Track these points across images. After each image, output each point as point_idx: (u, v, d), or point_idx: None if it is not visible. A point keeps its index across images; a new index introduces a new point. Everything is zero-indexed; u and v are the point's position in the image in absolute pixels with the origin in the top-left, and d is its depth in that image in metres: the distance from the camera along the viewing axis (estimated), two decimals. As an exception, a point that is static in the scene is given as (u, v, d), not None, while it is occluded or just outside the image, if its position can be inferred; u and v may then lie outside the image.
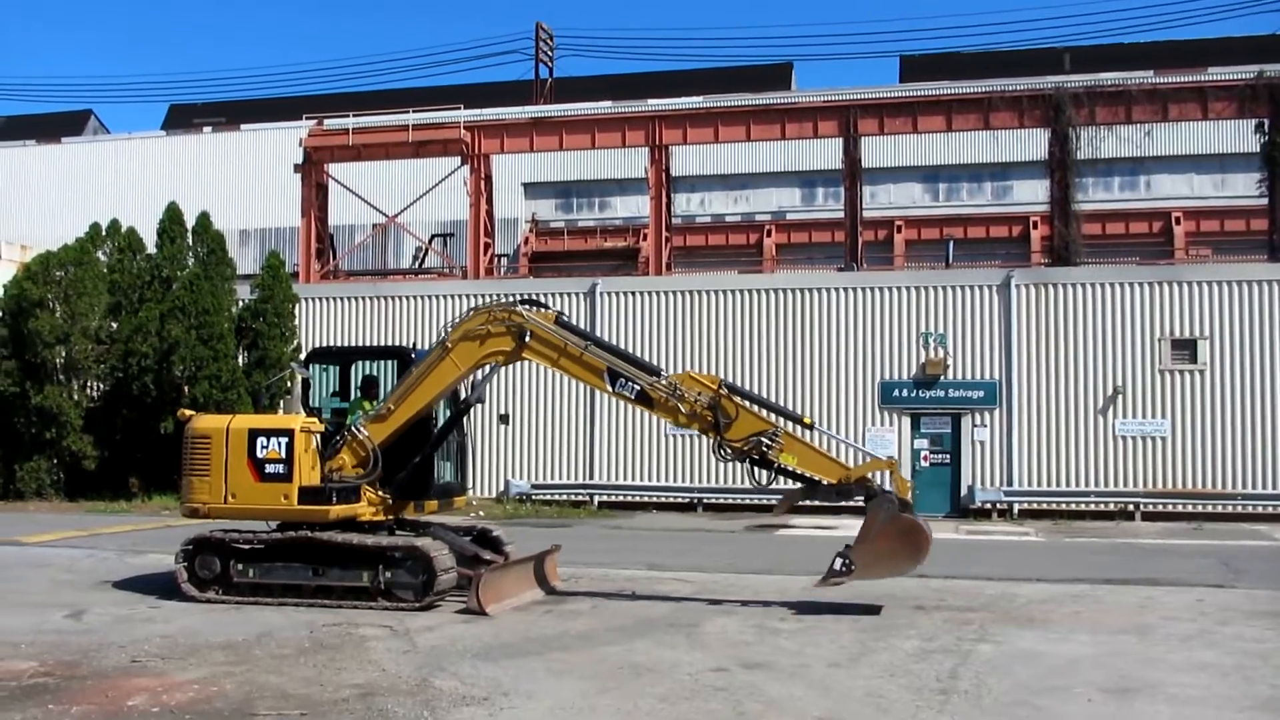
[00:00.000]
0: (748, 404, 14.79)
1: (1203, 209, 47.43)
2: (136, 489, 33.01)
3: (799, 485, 15.07)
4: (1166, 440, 30.18)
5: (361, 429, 15.18)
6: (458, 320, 15.48)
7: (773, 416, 15.23)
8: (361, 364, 17.38)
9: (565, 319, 15.59)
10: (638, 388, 14.84)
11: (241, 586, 15.20)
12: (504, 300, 15.93)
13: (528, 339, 14.98)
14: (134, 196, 51.65)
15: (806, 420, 14.92)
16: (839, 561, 14.51)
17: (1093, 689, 10.73)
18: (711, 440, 14.87)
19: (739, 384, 31.69)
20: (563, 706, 10.01)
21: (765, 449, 14.48)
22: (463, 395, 16.85)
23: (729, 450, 14.72)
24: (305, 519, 14.96)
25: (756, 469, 14.87)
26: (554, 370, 15.61)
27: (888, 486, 14.76)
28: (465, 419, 17.16)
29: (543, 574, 16.60)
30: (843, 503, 14.90)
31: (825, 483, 14.69)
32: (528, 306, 15.42)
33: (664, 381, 14.87)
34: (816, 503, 15.60)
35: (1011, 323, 31.05)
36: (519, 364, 33.59)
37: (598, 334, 33.40)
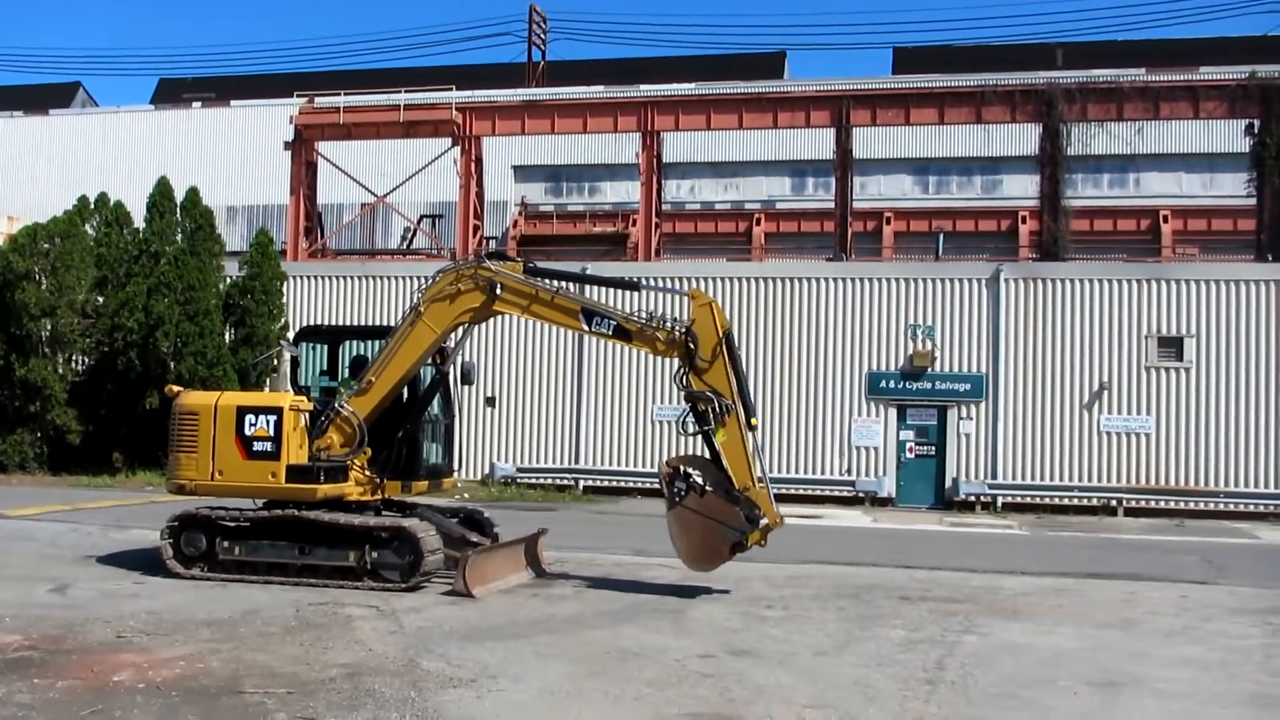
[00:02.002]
0: (729, 368, 14.53)
1: (1191, 208, 47.53)
2: (120, 464, 32.90)
3: (696, 472, 14.63)
4: (1151, 437, 30.29)
5: (345, 405, 15.14)
6: (427, 284, 15.44)
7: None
8: (350, 343, 17.35)
9: (534, 266, 15.59)
10: (613, 323, 14.88)
11: (227, 564, 15.17)
12: (471, 259, 15.87)
13: (498, 291, 14.95)
14: (122, 170, 51.39)
15: (754, 421, 14.71)
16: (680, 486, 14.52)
17: (1079, 682, 10.78)
18: (679, 369, 14.75)
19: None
20: (550, 690, 10.01)
21: (710, 410, 14.34)
22: (451, 374, 16.88)
23: (687, 385, 14.59)
24: (292, 497, 14.93)
25: (690, 419, 14.73)
26: (529, 320, 15.56)
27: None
28: (451, 401, 17.14)
29: (529, 557, 16.61)
30: (739, 528, 14.32)
31: (727, 475, 14.41)
32: (495, 260, 15.43)
33: (639, 313, 14.91)
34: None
35: (999, 317, 31.11)
36: (506, 347, 33.62)
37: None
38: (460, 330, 15.65)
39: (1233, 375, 30.08)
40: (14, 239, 34.15)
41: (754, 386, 31.73)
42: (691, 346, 14.42)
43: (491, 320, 32.53)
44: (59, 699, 9.35)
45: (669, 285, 14.44)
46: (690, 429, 14.88)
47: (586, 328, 15.06)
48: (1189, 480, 30.00)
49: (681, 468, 14.66)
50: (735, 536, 14.35)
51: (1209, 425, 30.06)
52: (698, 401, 14.47)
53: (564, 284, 15.60)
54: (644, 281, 15.24)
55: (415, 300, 15.38)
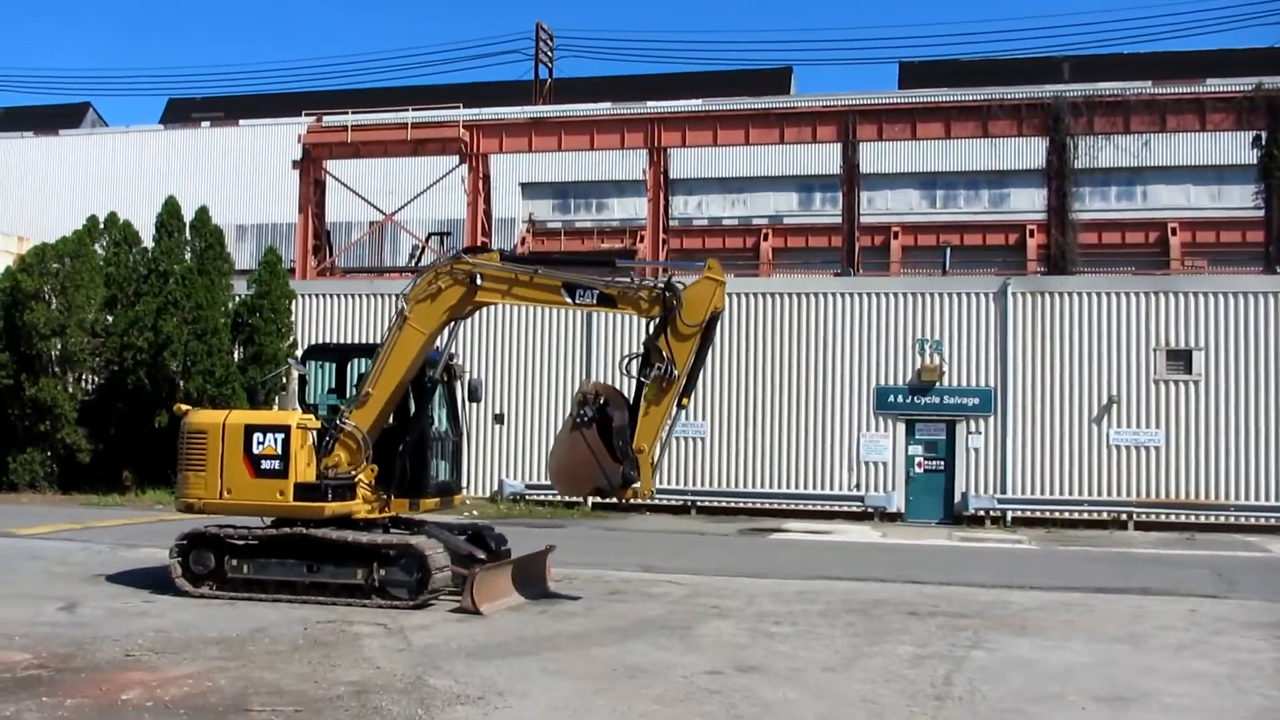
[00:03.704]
0: (696, 347, 14.47)
1: (1199, 220, 47.51)
2: (130, 483, 32.92)
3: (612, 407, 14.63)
4: (1160, 450, 30.19)
5: (347, 420, 15.18)
6: (408, 288, 15.50)
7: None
8: (358, 361, 17.36)
9: (509, 253, 15.64)
10: (595, 291, 14.84)
11: (236, 582, 15.19)
12: (448, 257, 15.89)
13: (478, 281, 14.97)
14: (131, 190, 51.55)
15: (685, 401, 14.65)
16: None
17: (1086, 697, 10.75)
18: (652, 323, 14.67)
19: (735, 387, 32.01)
20: (557, 707, 10.01)
21: (657, 371, 14.33)
22: (459, 392, 16.91)
23: (652, 340, 14.55)
24: (300, 515, 14.95)
25: (635, 365, 14.73)
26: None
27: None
28: (459, 419, 17.17)
29: (537, 574, 16.60)
30: (612, 478, 14.34)
31: (633, 429, 14.40)
32: (471, 254, 15.51)
33: (619, 277, 14.93)
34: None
35: (1007, 331, 31.05)
36: (514, 364, 33.58)
37: (593, 336, 33.63)
38: (447, 332, 15.61)
39: (1242, 388, 29.98)
40: (23, 259, 34.27)
41: (762, 401, 31.90)
42: (674, 304, 14.37)
43: (499, 338, 32.99)
44: (68, 717, 9.38)
45: (646, 263, 14.49)
46: (631, 371, 14.88)
47: (570, 301, 15.07)
48: (1199, 494, 29.90)
49: (602, 399, 14.61)
50: (602, 482, 14.43)
51: (1219, 438, 29.95)
52: (652, 355, 14.48)
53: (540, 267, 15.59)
54: (618, 262, 15.24)
55: (399, 306, 15.45)
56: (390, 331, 15.43)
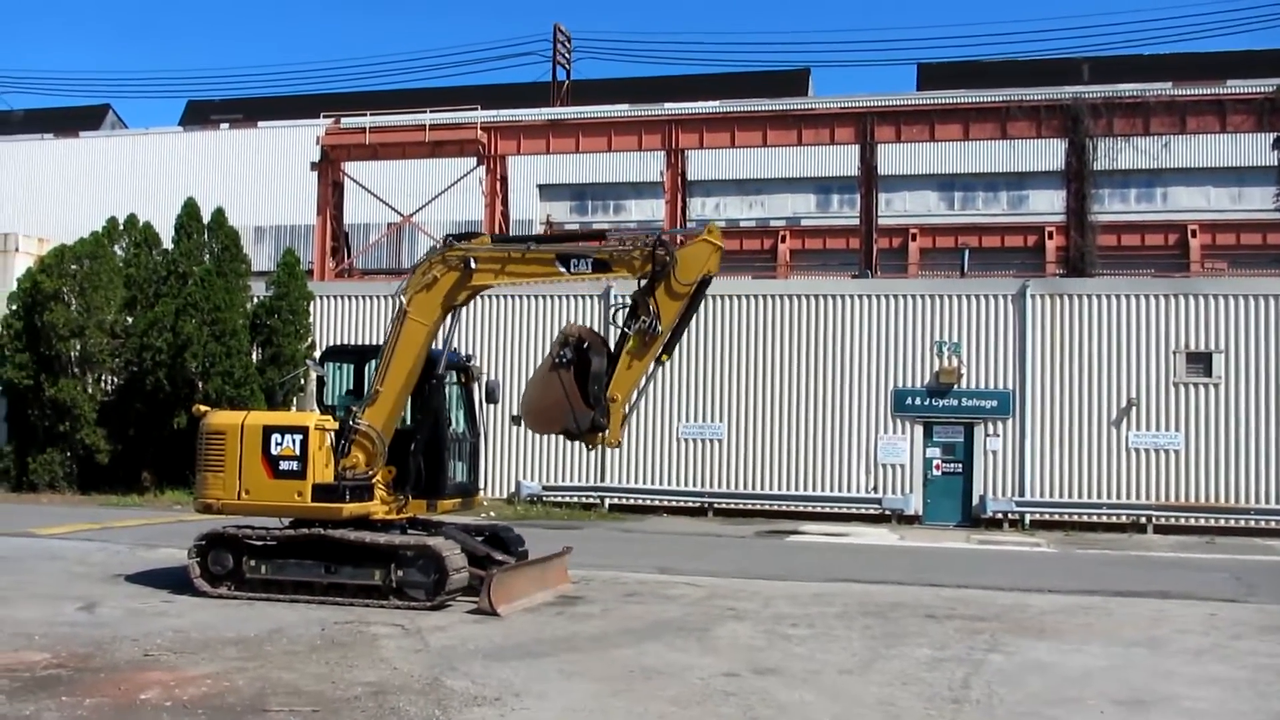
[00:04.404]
0: (685, 307, 14.61)
1: (1219, 222, 47.24)
2: (149, 483, 33.07)
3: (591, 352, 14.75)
4: (1180, 453, 30.05)
5: (359, 420, 15.21)
6: (404, 283, 15.58)
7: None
8: (376, 362, 17.38)
9: (499, 235, 15.72)
10: (589, 259, 14.92)
11: (254, 583, 15.24)
12: (440, 245, 15.89)
13: (473, 265, 15.06)
14: (151, 192, 51.76)
15: (665, 357, 14.80)
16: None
17: (1105, 701, 10.71)
18: (643, 278, 14.67)
19: (752, 389, 31.99)
20: (574, 708, 10.02)
21: (642, 324, 14.44)
22: (477, 393, 16.93)
23: (642, 294, 14.60)
24: (318, 516, 14.99)
25: (622, 315, 14.83)
26: (511, 286, 15.66)
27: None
28: (477, 420, 17.19)
29: (554, 575, 16.62)
30: (581, 421, 14.49)
31: (610, 376, 14.54)
32: (462, 239, 15.61)
33: (610, 241, 15.03)
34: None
35: (1026, 333, 30.95)
36: (532, 365, 33.63)
37: (611, 337, 33.52)
38: (449, 321, 15.61)
39: (1262, 391, 29.82)
40: (43, 260, 34.48)
41: (779, 403, 31.86)
42: (668, 261, 14.42)
43: (517, 337, 32.97)
44: (87, 716, 9.42)
45: (635, 229, 14.69)
46: (617, 321, 15.01)
47: (566, 272, 15.10)
48: (1219, 497, 29.76)
49: (584, 342, 14.70)
50: (571, 425, 14.53)
51: (1239, 441, 29.80)
52: (639, 308, 14.57)
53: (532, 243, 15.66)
54: (609, 231, 15.37)
55: (397, 301, 15.51)
56: (392, 328, 15.49)
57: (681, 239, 15.10)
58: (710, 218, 52.74)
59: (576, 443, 15.15)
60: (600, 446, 14.95)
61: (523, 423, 15.33)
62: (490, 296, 34.04)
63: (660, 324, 14.43)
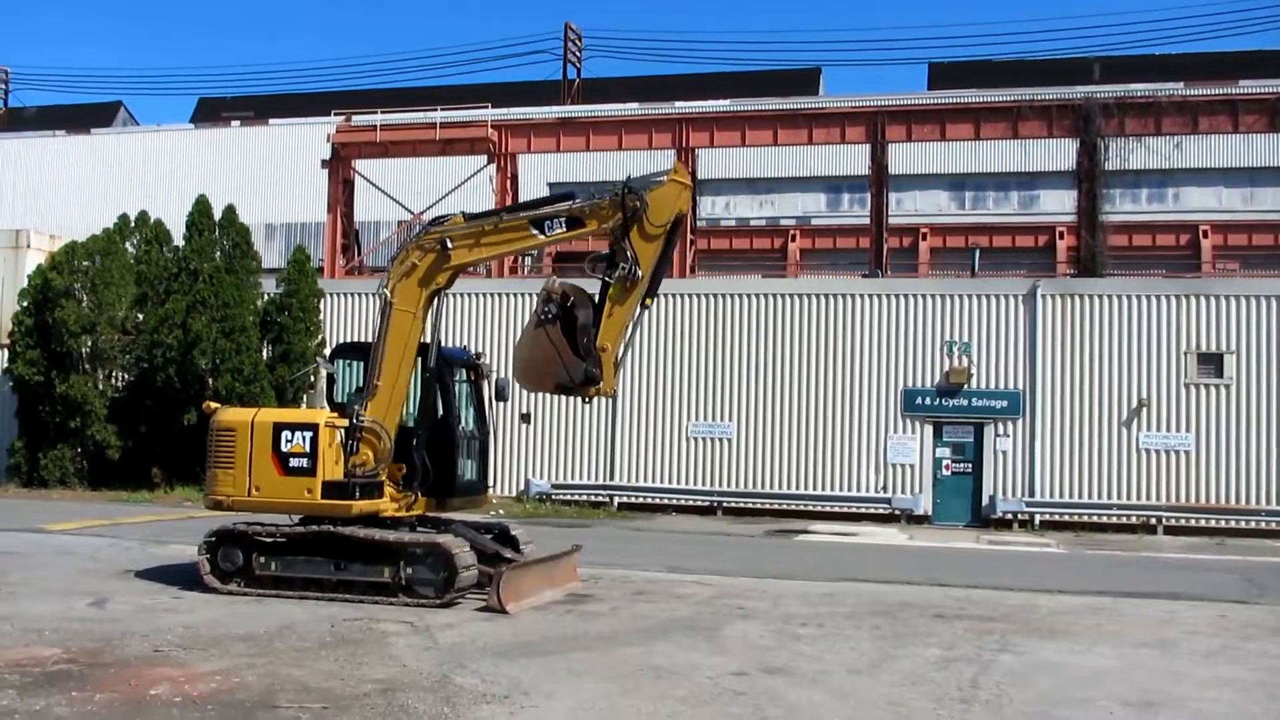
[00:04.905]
0: (661, 248, 14.73)
1: (1231, 223, 47.08)
2: (159, 479, 33.15)
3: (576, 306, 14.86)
4: (1190, 454, 29.98)
5: (362, 416, 15.22)
6: (385, 278, 15.69)
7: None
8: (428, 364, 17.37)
9: (472, 214, 15.88)
10: (562, 218, 15.02)
11: (263, 579, 15.27)
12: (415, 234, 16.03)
13: (449, 245, 15.17)
14: (162, 188, 51.87)
15: (649, 301, 14.88)
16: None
17: (1115, 702, 10.68)
18: (618, 223, 14.71)
19: (762, 388, 31.97)
20: (583, 707, 10.01)
21: (621, 270, 14.53)
22: (486, 390, 16.94)
23: (618, 241, 14.68)
24: (328, 513, 15.01)
25: (598, 263, 14.94)
26: (489, 255, 15.91)
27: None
28: (486, 418, 17.19)
29: (563, 574, 16.62)
30: (574, 374, 14.59)
31: (597, 328, 14.64)
32: (435, 223, 15.77)
33: (579, 198, 15.12)
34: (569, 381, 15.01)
35: (1036, 333, 30.90)
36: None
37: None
38: (436, 303, 15.65)
39: (1274, 392, 29.75)
40: (55, 257, 34.54)
41: (789, 402, 31.85)
42: (638, 205, 14.54)
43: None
44: (97, 712, 9.44)
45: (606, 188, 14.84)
46: (596, 271, 15.08)
47: (542, 235, 15.22)
48: (1229, 498, 29.69)
49: (568, 298, 14.78)
50: (565, 378, 14.63)
51: (1250, 442, 29.73)
52: (616, 255, 14.67)
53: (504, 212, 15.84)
54: (576, 193, 15.44)
55: (381, 294, 15.60)
56: (380, 321, 15.55)
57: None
58: (720, 216, 52.76)
59: (573, 397, 15.29)
60: (596, 398, 15.10)
61: (518, 382, 15.54)
62: (499, 295, 34.17)
63: (639, 268, 14.56)
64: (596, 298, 14.91)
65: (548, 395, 32.54)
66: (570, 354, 14.53)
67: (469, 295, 34.02)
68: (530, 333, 14.96)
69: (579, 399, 15.24)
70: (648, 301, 14.86)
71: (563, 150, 43.11)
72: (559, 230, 15.11)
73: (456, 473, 16.11)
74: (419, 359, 15.71)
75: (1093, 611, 16.17)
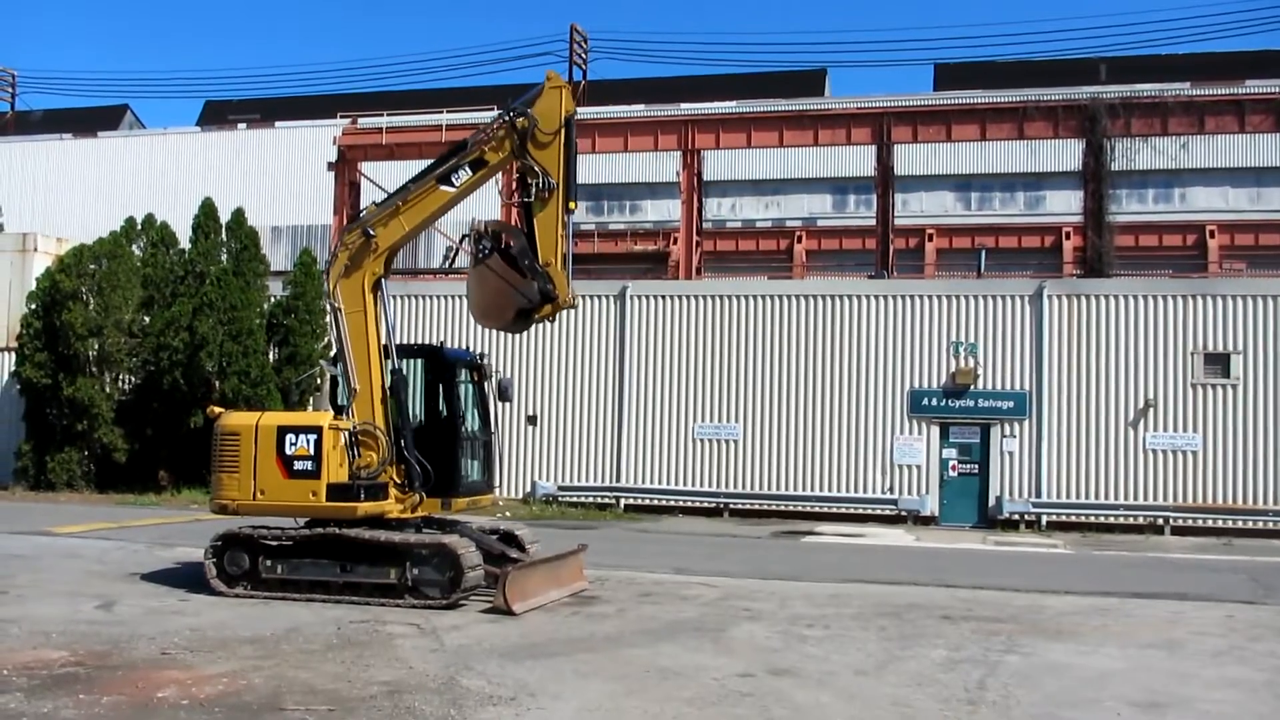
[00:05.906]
0: (563, 152, 15.11)
1: (1237, 223, 47.06)
2: (166, 482, 33.20)
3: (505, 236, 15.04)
4: (1197, 454, 29.89)
5: (355, 424, 15.31)
6: (325, 287, 15.98)
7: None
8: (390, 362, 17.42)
9: (388, 193, 16.12)
10: (466, 164, 15.42)
11: (270, 582, 15.28)
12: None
13: (371, 231, 15.50)
14: (169, 191, 51.95)
15: (572, 205, 15.15)
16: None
17: (1122, 703, 10.66)
18: (516, 145, 15.06)
19: (768, 390, 31.95)
20: (589, 708, 10.01)
21: (535, 185, 14.91)
22: (490, 391, 16.95)
23: (522, 162, 15.05)
24: (333, 516, 15.03)
25: (514, 194, 15.39)
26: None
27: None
28: (490, 419, 17.19)
29: (569, 573, 16.60)
30: (529, 294, 14.80)
31: (534, 247, 14.85)
32: (352, 222, 16.09)
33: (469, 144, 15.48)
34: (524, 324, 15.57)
35: (1043, 333, 30.85)
36: (547, 365, 33.60)
37: (626, 338, 33.59)
38: (381, 293, 15.84)
39: (1281, 392, 29.67)
40: (62, 260, 34.62)
41: (795, 404, 31.82)
42: (527, 124, 14.94)
43: (533, 338, 32.99)
44: (104, 714, 9.45)
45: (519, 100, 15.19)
46: (515, 199, 15.43)
47: (453, 189, 15.55)
48: (1237, 498, 29.61)
49: (496, 233, 14.98)
50: (522, 301, 14.87)
51: (1257, 443, 29.63)
52: (527, 176, 14.97)
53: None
54: (466, 141, 15.74)
55: (325, 306, 15.84)
56: (335, 329, 15.77)
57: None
58: (726, 218, 52.75)
59: (543, 324, 15.61)
60: (557, 315, 15.27)
61: (480, 323, 15.87)
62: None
63: (550, 177, 14.89)
64: (524, 226, 15.20)
65: (556, 397, 32.54)
66: (519, 278, 14.75)
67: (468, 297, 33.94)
68: (475, 274, 15.14)
69: (545, 322, 15.52)
70: (571, 205, 15.15)
71: (568, 152, 43.08)
72: (467, 176, 15.48)
73: (460, 473, 16.11)
74: (421, 359, 15.83)
75: (1100, 612, 16.13)
